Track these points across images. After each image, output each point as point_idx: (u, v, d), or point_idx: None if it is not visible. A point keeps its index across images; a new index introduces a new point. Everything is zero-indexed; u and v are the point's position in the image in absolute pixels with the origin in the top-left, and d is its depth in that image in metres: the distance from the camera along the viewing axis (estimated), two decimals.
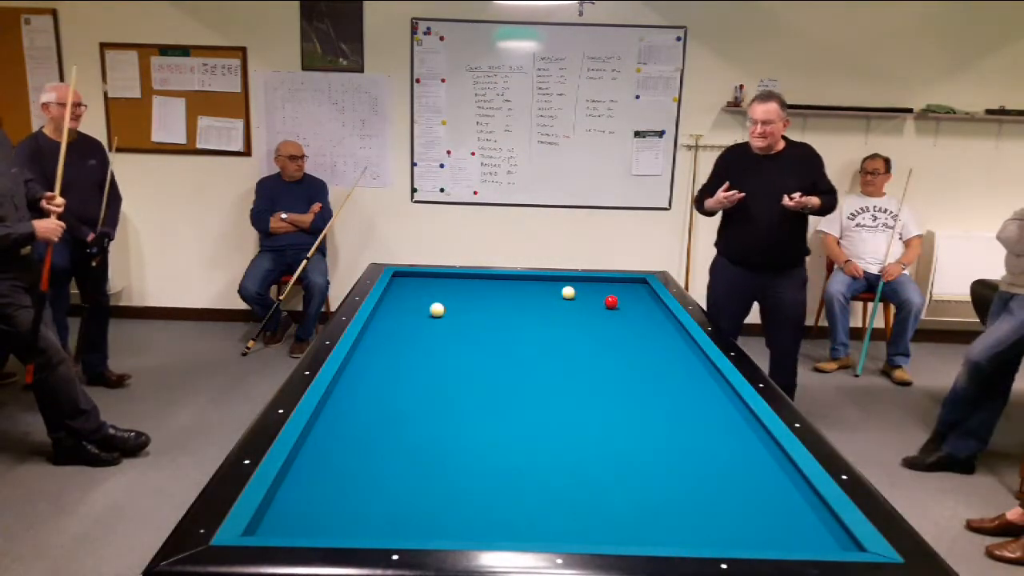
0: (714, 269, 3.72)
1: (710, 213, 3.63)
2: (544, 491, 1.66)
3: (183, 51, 5.01)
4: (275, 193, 4.90)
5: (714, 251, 3.77)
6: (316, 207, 4.89)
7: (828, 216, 4.88)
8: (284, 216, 4.84)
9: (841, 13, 4.92)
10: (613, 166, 5.22)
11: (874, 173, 4.84)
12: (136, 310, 5.39)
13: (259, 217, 4.87)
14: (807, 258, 3.63)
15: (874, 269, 4.74)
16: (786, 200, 3.31)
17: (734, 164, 3.56)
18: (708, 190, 3.59)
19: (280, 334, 4.98)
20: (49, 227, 3.13)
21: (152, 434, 3.44)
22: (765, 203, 3.40)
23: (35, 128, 4.67)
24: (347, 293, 3.21)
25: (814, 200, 3.36)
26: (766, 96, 3.42)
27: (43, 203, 3.25)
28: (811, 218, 3.66)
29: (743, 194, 3.38)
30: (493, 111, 5.14)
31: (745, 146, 3.56)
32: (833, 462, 1.74)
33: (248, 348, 4.78)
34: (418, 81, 5.09)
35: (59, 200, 3.25)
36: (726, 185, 3.40)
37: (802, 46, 5.00)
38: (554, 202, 5.26)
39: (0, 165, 3.06)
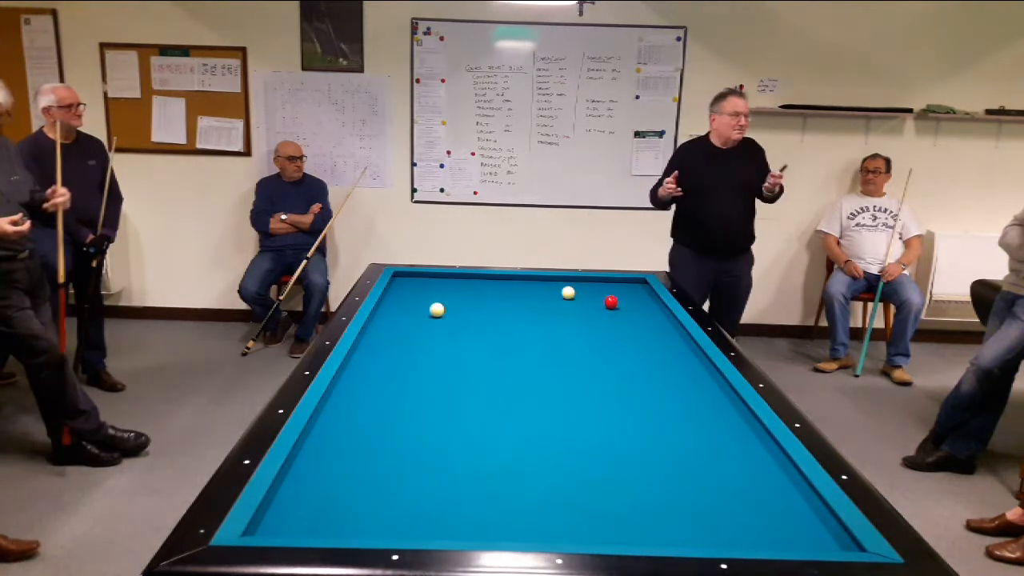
0: (676, 259, 3.95)
1: (662, 204, 3.85)
2: (544, 491, 1.66)
3: (183, 51, 5.01)
4: (275, 193, 4.90)
5: None
6: (316, 208, 4.89)
7: (828, 216, 4.94)
8: (284, 217, 4.84)
9: (841, 13, 4.92)
10: (613, 166, 5.22)
11: (874, 173, 4.85)
12: (136, 310, 5.39)
13: (259, 218, 4.87)
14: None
15: (874, 269, 4.74)
16: (770, 179, 3.64)
17: (694, 158, 3.80)
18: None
19: (280, 334, 4.97)
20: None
21: (152, 434, 3.44)
22: (723, 193, 3.72)
23: (35, 128, 4.67)
24: (347, 293, 3.21)
25: (782, 182, 3.70)
26: (738, 92, 3.73)
27: (48, 204, 3.17)
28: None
29: (680, 191, 3.63)
30: (493, 111, 5.14)
31: (702, 140, 3.86)
32: (833, 462, 1.73)
33: (248, 348, 4.78)
34: (418, 81, 5.09)
35: (61, 192, 3.13)
36: (675, 174, 3.61)
37: (802, 46, 4.99)
38: (554, 202, 5.26)
39: None
